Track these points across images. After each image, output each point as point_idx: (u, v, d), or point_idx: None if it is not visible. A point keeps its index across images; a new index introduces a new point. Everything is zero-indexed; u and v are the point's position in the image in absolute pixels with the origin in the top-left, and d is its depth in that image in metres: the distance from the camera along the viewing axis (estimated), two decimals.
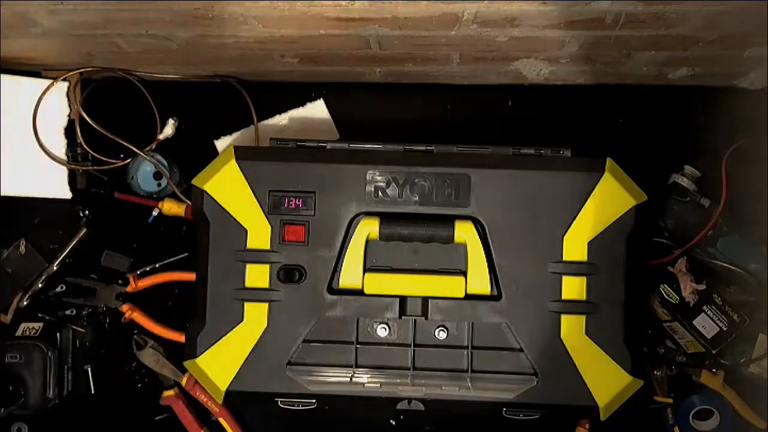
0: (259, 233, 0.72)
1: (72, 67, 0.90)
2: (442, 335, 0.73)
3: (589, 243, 0.71)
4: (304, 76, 0.93)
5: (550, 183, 0.72)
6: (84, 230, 0.92)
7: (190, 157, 0.90)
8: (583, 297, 0.71)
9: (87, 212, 0.93)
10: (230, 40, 0.78)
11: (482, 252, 0.71)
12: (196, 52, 0.84)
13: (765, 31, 0.72)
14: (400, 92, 0.96)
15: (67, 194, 0.92)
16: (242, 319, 0.73)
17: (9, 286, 0.92)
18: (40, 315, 0.93)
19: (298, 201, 0.73)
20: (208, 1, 0.67)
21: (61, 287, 0.93)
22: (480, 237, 0.71)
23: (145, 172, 0.92)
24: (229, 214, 0.72)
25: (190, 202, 0.89)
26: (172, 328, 0.91)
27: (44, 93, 0.90)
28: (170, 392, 0.91)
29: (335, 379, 0.73)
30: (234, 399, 0.77)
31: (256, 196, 0.72)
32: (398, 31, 0.74)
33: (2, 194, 0.91)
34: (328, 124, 0.94)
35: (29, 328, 0.91)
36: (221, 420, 0.90)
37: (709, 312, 0.85)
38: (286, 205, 0.73)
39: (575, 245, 0.71)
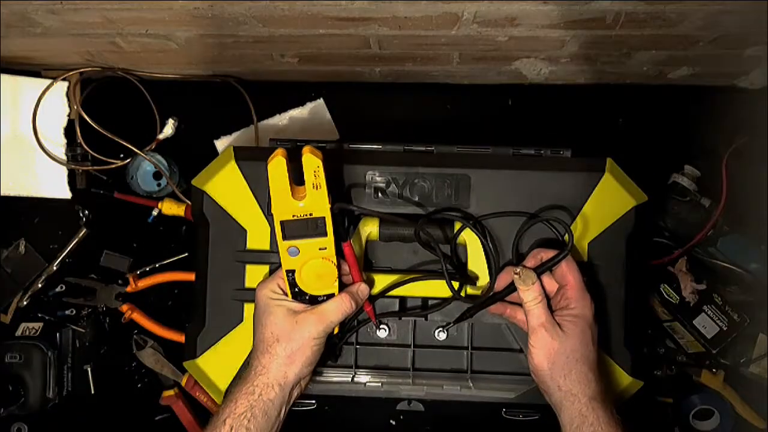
0: (258, 234, 0.72)
1: (72, 67, 0.90)
2: (441, 336, 0.73)
3: (589, 244, 0.71)
4: (304, 76, 0.93)
5: (550, 183, 0.72)
6: (84, 230, 0.92)
7: (190, 157, 0.90)
8: None
9: (87, 212, 0.93)
10: (230, 40, 0.78)
11: (482, 253, 0.71)
12: (195, 52, 0.84)
13: (765, 31, 0.72)
14: (400, 92, 0.96)
15: (67, 194, 0.92)
16: (242, 320, 0.73)
17: (9, 286, 0.92)
18: (39, 315, 0.93)
19: None
20: (208, 1, 0.67)
21: (61, 287, 0.93)
22: (480, 238, 0.71)
23: (144, 172, 0.92)
24: (229, 214, 0.72)
25: (189, 203, 0.90)
26: (172, 328, 0.91)
27: (44, 93, 0.90)
28: (170, 392, 0.91)
29: (336, 379, 0.73)
30: None
31: (255, 197, 0.72)
32: (398, 31, 0.74)
33: (2, 194, 0.91)
34: (328, 124, 0.94)
35: (29, 328, 0.91)
36: None
37: (709, 312, 0.85)
38: None
39: (575, 246, 0.71)
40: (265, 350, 0.65)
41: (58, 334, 0.90)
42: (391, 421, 0.92)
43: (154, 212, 0.92)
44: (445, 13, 0.69)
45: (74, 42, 0.81)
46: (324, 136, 0.92)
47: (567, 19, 0.70)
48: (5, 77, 0.90)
